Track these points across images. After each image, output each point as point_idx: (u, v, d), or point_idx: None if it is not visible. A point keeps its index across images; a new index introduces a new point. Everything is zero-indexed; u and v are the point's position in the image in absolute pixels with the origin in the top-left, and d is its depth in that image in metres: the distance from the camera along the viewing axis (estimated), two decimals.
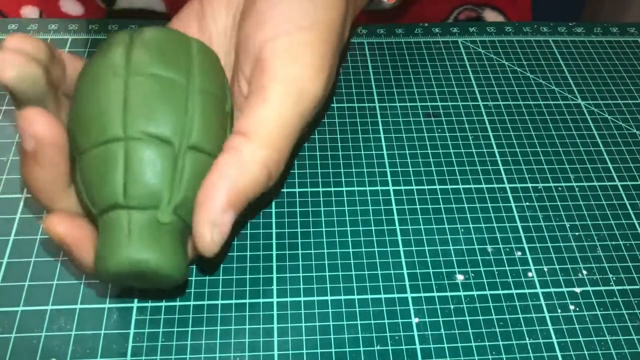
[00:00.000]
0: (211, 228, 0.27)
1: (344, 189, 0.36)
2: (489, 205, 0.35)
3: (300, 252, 0.33)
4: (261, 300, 0.31)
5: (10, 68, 0.25)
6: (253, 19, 0.30)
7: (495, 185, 0.36)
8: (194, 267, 0.32)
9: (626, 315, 0.31)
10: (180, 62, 0.29)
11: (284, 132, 0.28)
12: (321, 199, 0.35)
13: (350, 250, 0.33)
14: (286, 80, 0.29)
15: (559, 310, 0.31)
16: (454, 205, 0.35)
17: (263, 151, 0.28)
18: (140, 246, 0.26)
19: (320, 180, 0.36)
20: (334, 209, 0.35)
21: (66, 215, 0.27)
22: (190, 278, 0.32)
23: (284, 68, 0.29)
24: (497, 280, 0.32)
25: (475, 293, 0.32)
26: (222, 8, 0.33)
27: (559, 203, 0.36)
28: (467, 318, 0.31)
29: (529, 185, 0.37)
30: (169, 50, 0.29)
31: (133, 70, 0.28)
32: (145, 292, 0.31)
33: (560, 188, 0.37)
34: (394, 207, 0.35)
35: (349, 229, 0.34)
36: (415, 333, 0.30)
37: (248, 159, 0.27)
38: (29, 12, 0.51)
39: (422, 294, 0.32)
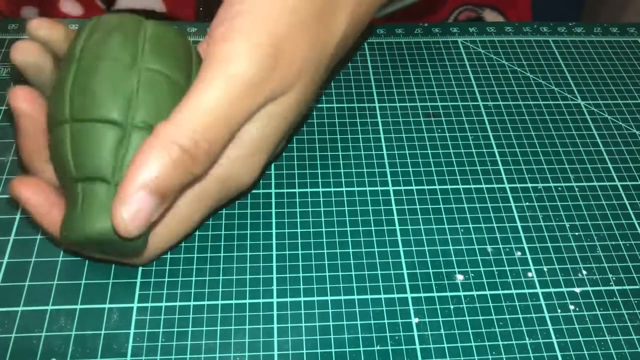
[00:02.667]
0: (121, 207, 0.27)
1: (344, 189, 0.36)
2: (489, 205, 0.35)
3: (300, 252, 0.33)
4: (261, 300, 0.31)
5: (21, 52, 0.30)
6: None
7: (495, 185, 0.36)
8: (195, 267, 0.32)
9: (626, 315, 0.31)
10: (128, 43, 0.29)
11: (210, 116, 0.28)
12: (321, 199, 0.35)
13: (350, 250, 0.33)
14: (216, 59, 0.28)
15: (559, 310, 0.31)
16: (454, 205, 0.35)
17: (180, 134, 0.27)
18: (95, 217, 0.28)
19: (320, 180, 0.36)
20: (334, 209, 0.35)
21: (34, 180, 0.29)
22: (190, 278, 0.32)
23: (216, 47, 0.29)
24: (497, 280, 0.32)
25: (475, 293, 0.32)
26: None
27: (559, 203, 0.36)
28: (467, 318, 0.31)
29: (529, 185, 0.37)
30: (118, 31, 0.30)
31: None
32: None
33: (560, 188, 0.37)
34: (394, 207, 0.35)
35: (349, 229, 0.34)
36: (415, 333, 0.30)
37: (164, 142, 0.27)
38: (29, 12, 0.51)
39: (422, 294, 0.32)
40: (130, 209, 0.27)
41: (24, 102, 0.29)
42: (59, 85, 0.29)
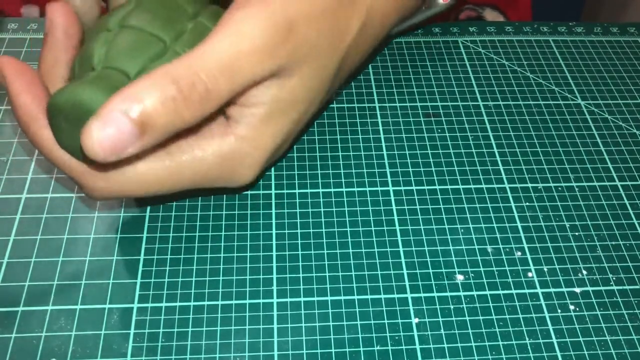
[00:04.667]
0: (96, 121, 0.26)
1: (344, 189, 0.36)
2: (489, 205, 0.35)
3: (300, 252, 0.33)
4: (261, 300, 0.31)
5: None
6: None
7: (495, 185, 0.36)
8: (195, 267, 0.32)
9: (626, 315, 0.31)
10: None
11: (214, 62, 0.28)
12: (321, 199, 0.35)
13: (350, 250, 0.33)
14: (232, 20, 0.29)
15: (559, 310, 0.31)
16: (454, 205, 0.35)
17: (179, 72, 0.27)
18: (85, 85, 0.28)
19: (320, 180, 0.36)
20: (334, 209, 0.35)
21: (16, 60, 0.30)
22: (190, 279, 0.32)
23: (234, 11, 0.29)
24: (497, 280, 0.32)
25: (475, 293, 0.32)
26: None
27: (559, 203, 0.36)
28: (467, 318, 0.31)
29: (529, 185, 0.37)
30: None
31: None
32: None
33: (560, 188, 0.37)
34: (394, 207, 0.35)
35: (349, 229, 0.34)
36: (415, 333, 0.30)
37: (162, 75, 0.27)
38: (30, 11, 0.51)
39: (422, 294, 0.32)
40: (105, 128, 0.26)
41: (58, 13, 0.31)
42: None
